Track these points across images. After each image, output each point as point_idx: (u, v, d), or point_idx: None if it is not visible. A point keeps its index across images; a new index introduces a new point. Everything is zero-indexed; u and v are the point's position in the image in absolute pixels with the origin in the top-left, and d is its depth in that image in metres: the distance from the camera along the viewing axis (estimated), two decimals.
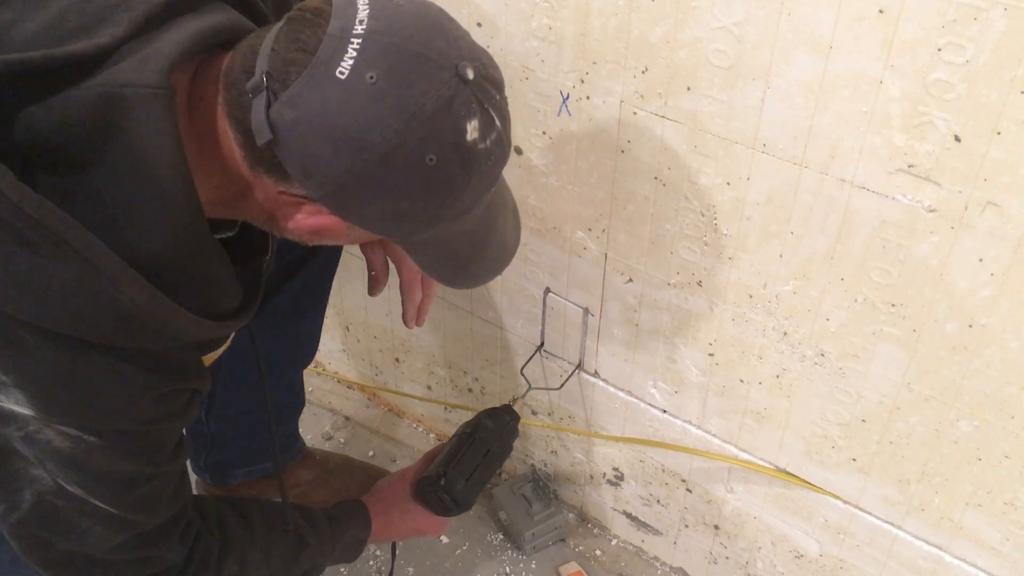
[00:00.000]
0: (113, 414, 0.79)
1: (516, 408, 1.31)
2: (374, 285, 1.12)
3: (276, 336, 1.30)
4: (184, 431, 0.93)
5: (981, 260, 0.86)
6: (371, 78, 0.69)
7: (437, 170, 0.72)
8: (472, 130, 0.72)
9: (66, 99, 0.69)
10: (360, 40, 0.70)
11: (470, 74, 0.72)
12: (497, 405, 1.32)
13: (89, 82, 0.70)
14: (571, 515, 1.53)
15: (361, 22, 0.70)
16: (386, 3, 0.73)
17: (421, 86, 0.70)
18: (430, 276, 0.91)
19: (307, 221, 0.78)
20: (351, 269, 1.50)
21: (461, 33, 0.76)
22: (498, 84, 0.76)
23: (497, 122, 0.75)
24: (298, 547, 1.09)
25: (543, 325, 1.34)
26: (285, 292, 1.26)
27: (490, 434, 1.25)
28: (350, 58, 0.69)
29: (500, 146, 0.76)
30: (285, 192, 0.76)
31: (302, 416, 1.46)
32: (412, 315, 1.14)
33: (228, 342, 0.95)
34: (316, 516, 1.14)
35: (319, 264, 1.28)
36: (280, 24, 0.73)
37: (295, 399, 1.43)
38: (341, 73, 0.69)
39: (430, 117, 0.70)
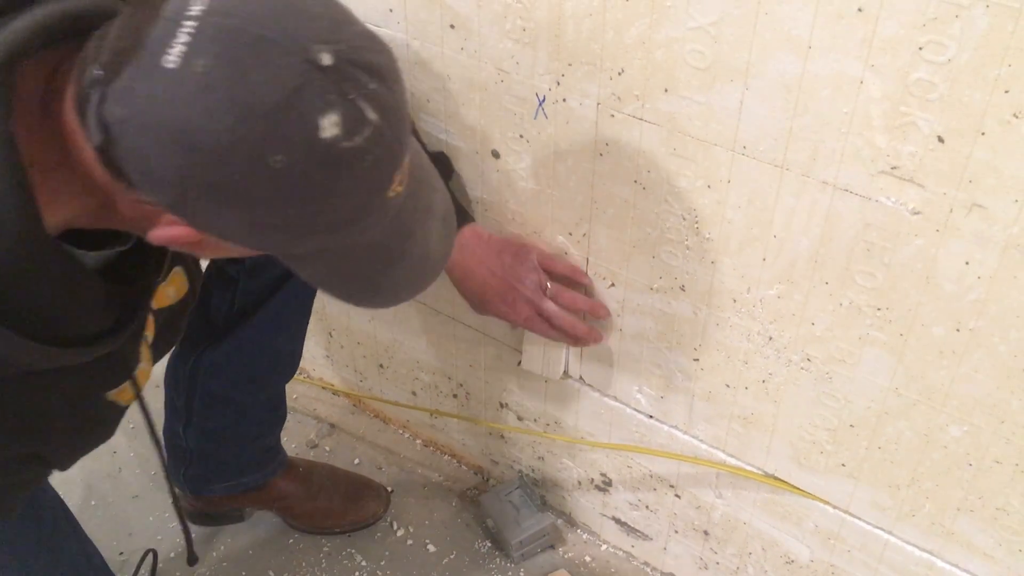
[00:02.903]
0: None
1: None
2: None
3: (255, 351, 1.28)
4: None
5: (967, 263, 0.84)
6: (201, 67, 0.59)
7: (287, 173, 0.61)
8: (330, 126, 0.61)
9: None
10: (194, 23, 0.60)
11: (325, 59, 0.61)
12: (482, 411, 1.29)
13: None
14: (559, 521, 1.50)
15: (198, 2, 0.61)
16: None
17: (258, 75, 0.59)
18: (331, 295, 0.77)
19: (166, 233, 0.67)
20: None
21: (331, 12, 0.64)
22: (375, 70, 0.64)
23: (371, 115, 0.63)
24: None
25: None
26: (265, 309, 1.23)
27: None
28: (181, 44, 0.59)
29: (380, 144, 0.64)
30: (139, 200, 0.65)
31: (287, 424, 1.44)
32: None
33: (143, 372, 0.87)
34: None
35: (301, 281, 1.25)
36: (128, 7, 0.65)
37: (276, 413, 1.40)
38: (170, 63, 0.59)
39: (270, 112, 0.59)
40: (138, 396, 0.89)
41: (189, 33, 0.60)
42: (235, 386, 1.30)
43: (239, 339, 1.25)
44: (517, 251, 1.15)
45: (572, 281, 1.16)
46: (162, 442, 1.00)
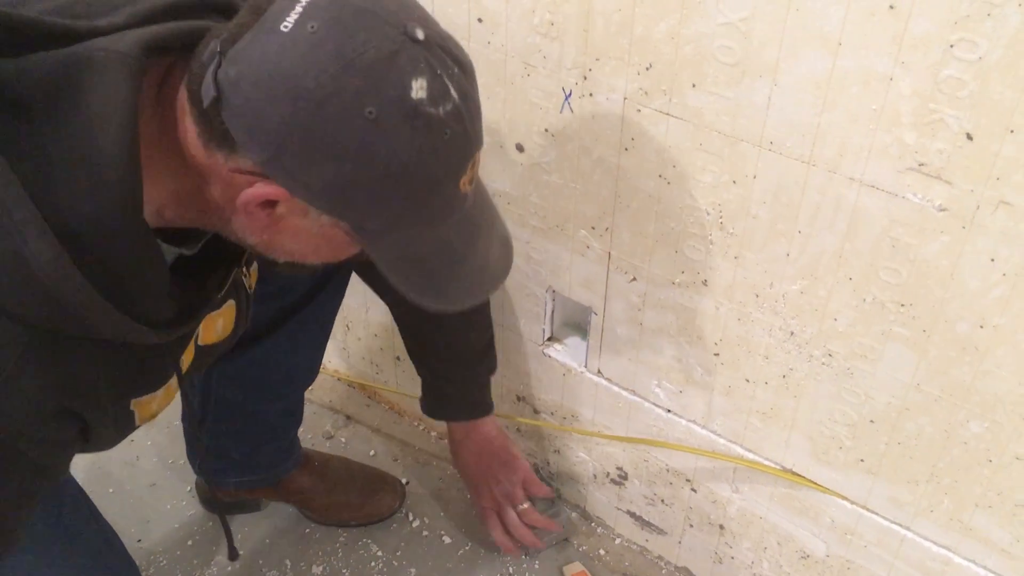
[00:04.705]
0: None
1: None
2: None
3: (272, 365, 1.28)
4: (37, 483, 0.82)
5: (993, 260, 0.84)
6: (312, 28, 0.66)
7: (377, 125, 0.66)
8: (419, 88, 0.67)
9: (42, 56, 0.68)
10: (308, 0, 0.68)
11: (420, 35, 0.68)
12: (498, 403, 1.30)
13: (70, 47, 0.69)
14: (574, 514, 1.51)
15: None
16: None
17: (362, 36, 0.66)
18: (397, 284, 0.79)
19: (258, 191, 0.70)
20: None
21: (422, 8, 0.72)
22: (459, 61, 0.71)
23: (454, 94, 0.69)
24: None
25: (546, 323, 1.32)
26: (283, 329, 1.24)
27: None
28: (295, 13, 0.67)
29: (459, 123, 0.70)
30: (237, 170, 0.70)
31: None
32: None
33: (166, 391, 0.89)
34: None
35: (322, 301, 1.26)
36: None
37: (292, 418, 1.41)
38: (284, 27, 0.66)
39: (369, 66, 0.66)
40: (181, 387, 0.92)
41: (303, 6, 0.67)
42: (250, 395, 1.31)
43: (255, 353, 1.25)
44: (508, 461, 1.36)
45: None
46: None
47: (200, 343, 0.93)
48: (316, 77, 0.65)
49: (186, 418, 1.39)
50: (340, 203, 0.71)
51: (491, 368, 1.30)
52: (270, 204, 0.72)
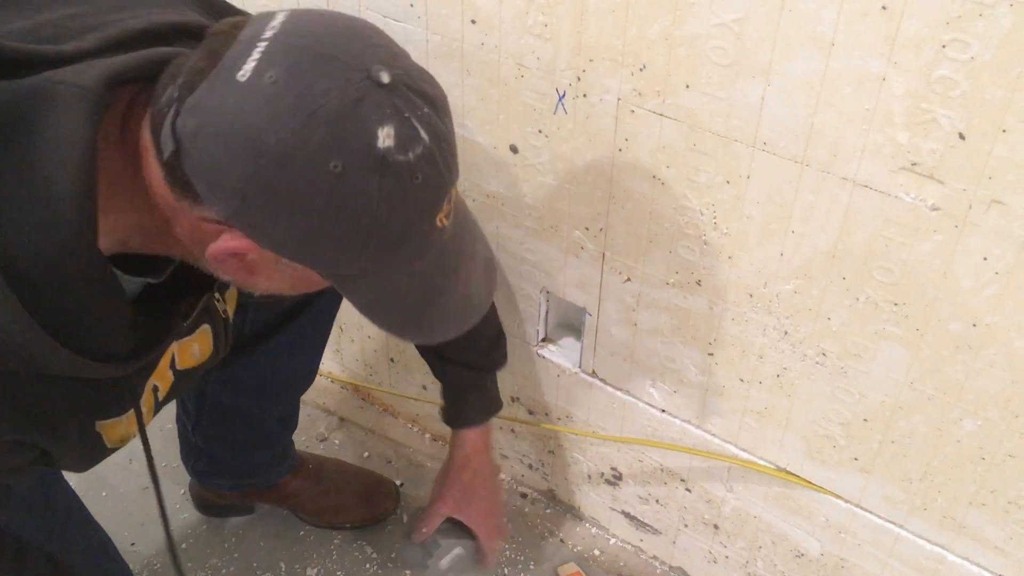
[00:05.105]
0: None
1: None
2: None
3: (269, 370, 1.27)
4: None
5: (985, 259, 0.85)
6: (270, 78, 0.63)
7: (344, 179, 0.64)
8: (385, 137, 0.64)
9: (2, 85, 0.66)
10: (266, 43, 0.65)
11: (384, 78, 0.65)
12: None
13: (31, 78, 0.67)
14: (568, 515, 1.52)
15: (272, 28, 0.66)
16: (305, 12, 0.68)
17: (322, 85, 0.63)
18: (375, 323, 0.77)
19: (226, 245, 0.69)
20: None
21: (388, 44, 0.69)
22: (428, 98, 0.68)
23: (424, 136, 0.66)
24: None
25: (540, 324, 1.33)
26: (281, 334, 1.24)
27: None
28: (252, 60, 0.64)
29: (432, 165, 0.67)
30: (205, 219, 0.68)
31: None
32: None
33: (131, 417, 0.86)
34: None
35: (319, 308, 1.26)
36: (208, 38, 0.70)
37: (287, 423, 1.41)
38: (242, 76, 0.64)
39: (333, 117, 0.63)
40: (142, 432, 0.88)
41: (260, 52, 0.64)
42: (246, 400, 1.31)
43: (253, 358, 1.24)
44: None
45: None
46: (159, 480, 0.95)
47: (178, 368, 0.91)
48: (276, 133, 0.63)
49: (179, 420, 1.38)
50: (310, 254, 0.69)
51: (501, 360, 1.24)
52: (240, 253, 0.70)
